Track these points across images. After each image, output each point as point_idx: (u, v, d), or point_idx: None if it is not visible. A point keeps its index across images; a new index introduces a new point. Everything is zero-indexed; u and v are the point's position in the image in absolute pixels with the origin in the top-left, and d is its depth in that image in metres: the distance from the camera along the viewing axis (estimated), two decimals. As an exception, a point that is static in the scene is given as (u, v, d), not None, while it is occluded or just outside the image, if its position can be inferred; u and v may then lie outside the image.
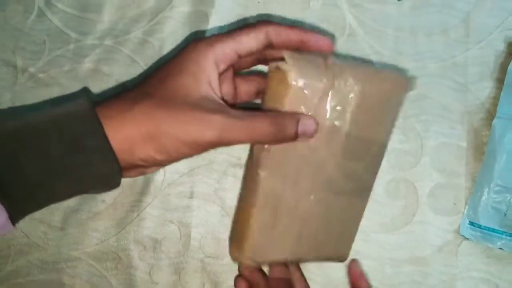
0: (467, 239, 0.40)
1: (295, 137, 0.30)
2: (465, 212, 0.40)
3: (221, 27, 0.43)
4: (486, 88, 0.41)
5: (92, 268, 0.42)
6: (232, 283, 0.40)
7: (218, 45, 0.30)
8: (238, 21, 0.43)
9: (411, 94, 0.42)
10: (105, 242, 0.42)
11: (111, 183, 0.29)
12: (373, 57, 0.42)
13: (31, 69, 0.44)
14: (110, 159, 0.28)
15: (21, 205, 0.27)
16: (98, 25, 0.44)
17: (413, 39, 0.42)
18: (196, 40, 0.30)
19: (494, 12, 0.42)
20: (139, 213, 0.42)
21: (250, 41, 0.30)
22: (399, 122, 0.41)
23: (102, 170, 0.28)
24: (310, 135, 0.30)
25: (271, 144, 0.30)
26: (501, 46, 0.42)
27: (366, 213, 0.36)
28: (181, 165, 0.42)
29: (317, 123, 0.31)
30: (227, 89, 0.33)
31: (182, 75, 0.29)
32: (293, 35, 0.31)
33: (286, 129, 0.29)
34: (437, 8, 0.42)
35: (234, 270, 0.41)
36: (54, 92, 0.43)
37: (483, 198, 0.39)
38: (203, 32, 0.43)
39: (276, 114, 0.30)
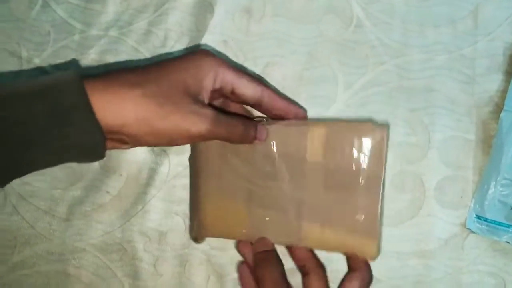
0: (474, 232, 0.40)
1: (253, 139, 0.35)
2: (472, 205, 0.40)
3: (226, 15, 0.43)
4: (494, 81, 0.41)
5: (97, 259, 0.42)
6: (237, 275, 0.40)
7: (224, 67, 0.33)
8: (243, 12, 0.43)
9: (418, 86, 0.41)
10: (110, 234, 0.42)
11: (95, 154, 0.30)
12: (380, 49, 0.42)
13: (36, 60, 0.43)
14: (94, 130, 0.29)
15: (2, 172, 0.28)
16: (102, 16, 0.44)
17: (421, 31, 0.42)
18: (208, 51, 0.34)
19: (503, 4, 0.42)
20: (144, 205, 0.42)
21: (248, 86, 0.34)
22: (406, 115, 0.41)
23: (86, 140, 0.29)
24: (262, 139, 0.35)
25: (236, 143, 0.34)
26: (510, 39, 0.41)
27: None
28: (186, 158, 0.42)
29: (267, 132, 0.35)
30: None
31: (185, 73, 0.32)
32: (280, 104, 0.36)
33: (249, 132, 0.34)
34: (445, 0, 0.42)
35: (239, 262, 0.41)
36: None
37: (490, 191, 0.39)
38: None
39: (244, 119, 0.34)
